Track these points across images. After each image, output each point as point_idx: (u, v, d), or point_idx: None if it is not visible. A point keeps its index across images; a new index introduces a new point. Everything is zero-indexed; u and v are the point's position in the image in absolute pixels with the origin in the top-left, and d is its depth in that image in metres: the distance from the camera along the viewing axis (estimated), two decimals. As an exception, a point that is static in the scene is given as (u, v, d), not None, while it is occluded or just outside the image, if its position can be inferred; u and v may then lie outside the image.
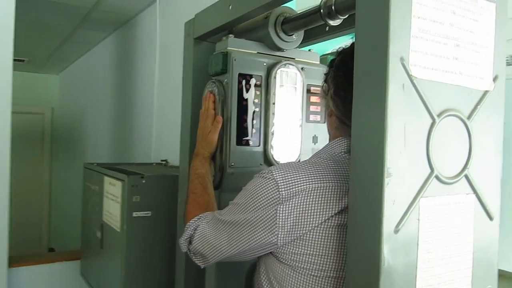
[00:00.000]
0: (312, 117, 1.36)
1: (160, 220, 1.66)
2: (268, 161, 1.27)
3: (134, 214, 1.62)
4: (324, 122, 1.39)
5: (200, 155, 1.23)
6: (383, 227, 0.73)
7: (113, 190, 1.76)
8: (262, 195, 0.91)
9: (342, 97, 0.93)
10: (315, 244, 0.86)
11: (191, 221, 1.09)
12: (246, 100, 1.24)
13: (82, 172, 2.28)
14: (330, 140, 1.03)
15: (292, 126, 1.30)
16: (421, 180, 0.78)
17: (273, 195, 0.89)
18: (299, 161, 1.02)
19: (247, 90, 1.24)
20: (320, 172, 0.89)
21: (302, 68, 1.32)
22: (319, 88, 1.37)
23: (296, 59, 1.34)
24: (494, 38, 0.88)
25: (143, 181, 1.64)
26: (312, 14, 1.14)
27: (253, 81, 1.25)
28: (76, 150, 4.98)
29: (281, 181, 0.89)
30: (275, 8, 1.17)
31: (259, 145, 1.27)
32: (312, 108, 1.36)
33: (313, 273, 0.87)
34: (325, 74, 1.02)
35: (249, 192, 0.94)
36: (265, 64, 1.27)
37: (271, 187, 0.90)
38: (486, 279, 0.91)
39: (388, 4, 0.72)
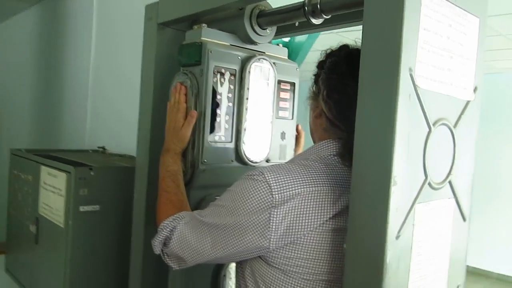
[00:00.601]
0: (281, 113, 1.35)
1: (109, 215, 1.55)
2: (239, 157, 1.24)
3: (81, 208, 1.50)
4: (292, 119, 1.39)
5: (172, 150, 1.16)
6: (387, 234, 0.74)
7: (53, 181, 1.61)
8: (253, 198, 0.88)
9: (335, 100, 0.93)
10: (309, 248, 0.86)
11: (165, 222, 1.03)
12: (220, 94, 1.19)
13: (7, 159, 2.06)
14: (315, 141, 1.02)
15: (263, 122, 1.28)
16: (418, 187, 0.81)
17: (265, 199, 0.87)
18: (287, 162, 1.00)
19: (222, 84, 1.19)
20: (313, 176, 0.89)
21: (274, 63, 1.29)
22: (288, 84, 1.36)
23: (266, 53, 1.31)
24: (477, 50, 0.93)
25: (92, 173, 1.52)
26: (294, 11, 1.12)
27: (227, 75, 1.20)
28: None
29: (274, 184, 0.87)
30: (258, 2, 1.13)
31: (231, 141, 1.23)
32: (281, 104, 1.35)
33: (305, 277, 0.87)
34: (314, 75, 1.01)
35: (238, 195, 0.91)
36: (239, 57, 1.23)
37: (264, 190, 0.87)
38: (457, 277, 0.97)
39: (402, 15, 0.73)
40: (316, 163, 0.92)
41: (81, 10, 2.73)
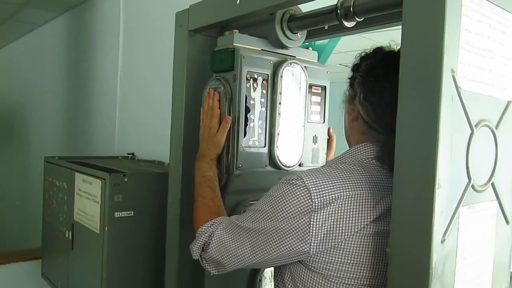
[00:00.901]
0: (313, 117, 1.35)
1: (143, 220, 1.58)
2: (273, 162, 1.25)
3: (116, 214, 1.53)
4: (324, 122, 1.38)
5: (207, 156, 1.17)
6: (433, 238, 0.73)
7: (88, 188, 1.65)
8: (292, 203, 0.88)
9: (373, 102, 0.92)
10: (350, 253, 0.86)
11: (203, 227, 1.04)
12: (253, 99, 1.20)
13: (24, 166, 2.10)
14: (351, 144, 1.02)
15: (296, 126, 1.28)
16: (461, 190, 0.80)
17: (305, 203, 0.87)
18: (324, 166, 1.00)
19: (254, 89, 1.20)
20: (352, 180, 0.88)
21: (305, 67, 1.29)
22: (319, 88, 1.36)
23: (297, 57, 1.32)
24: (517, 50, 0.91)
25: (126, 179, 1.55)
26: (326, 14, 1.12)
27: (260, 80, 1.21)
28: (15, 141, 4.61)
29: (314, 189, 0.87)
30: (290, 7, 1.13)
31: (264, 146, 1.23)
32: (313, 107, 1.35)
33: (346, 282, 0.87)
34: (349, 78, 1.01)
35: (277, 199, 0.91)
36: (271, 62, 1.23)
37: (303, 194, 0.87)
38: (501, 281, 0.95)
39: (443, 16, 0.72)
40: (355, 167, 0.92)
41: (108, 19, 2.78)
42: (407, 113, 0.77)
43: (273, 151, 1.23)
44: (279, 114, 1.23)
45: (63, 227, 1.86)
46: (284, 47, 1.27)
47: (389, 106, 0.87)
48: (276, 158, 1.24)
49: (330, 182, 0.87)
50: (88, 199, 1.64)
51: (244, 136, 1.19)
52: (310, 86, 1.33)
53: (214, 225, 1.03)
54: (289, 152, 1.27)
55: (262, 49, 1.25)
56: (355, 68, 1.00)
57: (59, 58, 3.51)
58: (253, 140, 1.21)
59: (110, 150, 2.62)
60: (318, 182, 0.87)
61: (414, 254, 0.75)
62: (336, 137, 1.46)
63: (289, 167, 1.28)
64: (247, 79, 1.18)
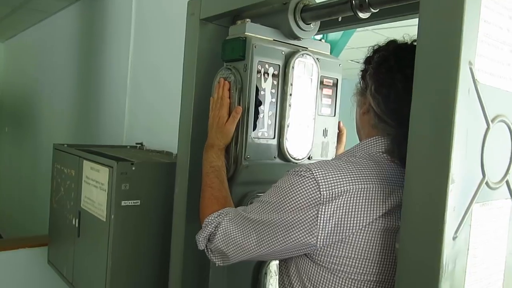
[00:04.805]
0: (323, 110, 1.33)
1: (150, 210, 1.57)
2: (281, 154, 1.23)
3: (123, 203, 1.52)
4: (334, 116, 1.36)
5: (216, 146, 1.16)
6: (444, 234, 0.71)
7: (96, 176, 1.64)
8: (300, 195, 0.86)
9: (384, 94, 0.90)
10: (358, 248, 0.84)
11: (210, 217, 1.03)
12: (264, 90, 1.18)
13: (35, 154, 2.10)
14: (362, 138, 1.00)
15: (306, 118, 1.26)
16: (475, 186, 0.77)
17: (313, 195, 0.85)
18: (334, 159, 0.98)
19: (265, 80, 1.18)
20: (362, 173, 0.87)
21: (317, 59, 1.27)
22: (331, 81, 1.34)
23: (309, 49, 1.30)
24: (537, 44, 0.89)
25: (133, 168, 1.54)
26: (340, 4, 1.10)
27: (271, 70, 1.19)
28: (26, 128, 4.64)
29: (322, 181, 0.85)
30: (304, -5, 1.11)
31: (273, 138, 1.22)
32: (324, 100, 1.33)
33: (353, 277, 0.85)
34: (361, 71, 0.99)
35: (284, 191, 0.89)
36: (283, 53, 1.21)
37: (311, 186, 0.86)
38: (513, 280, 0.93)
39: (463, 6, 0.70)
40: (365, 160, 0.90)
41: (120, 8, 2.78)
42: (422, 106, 0.75)
43: (282, 143, 1.22)
44: (290, 105, 1.22)
45: (70, 214, 1.86)
46: (296, 37, 1.25)
47: (401, 99, 0.86)
48: (285, 150, 1.22)
49: (339, 175, 0.86)
50: (96, 187, 1.64)
51: (254, 127, 1.17)
52: (322, 79, 1.30)
53: (220, 216, 1.02)
54: (298, 145, 1.25)
55: (274, 39, 1.23)
56: (368, 60, 0.98)
57: (70, 46, 3.51)
58: (262, 131, 1.19)
59: (119, 140, 2.62)
60: (327, 174, 0.86)
61: (425, 250, 0.74)
62: (346, 131, 1.44)
63: (298, 159, 1.26)
64: (258, 69, 1.16)
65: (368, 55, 0.98)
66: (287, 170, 1.06)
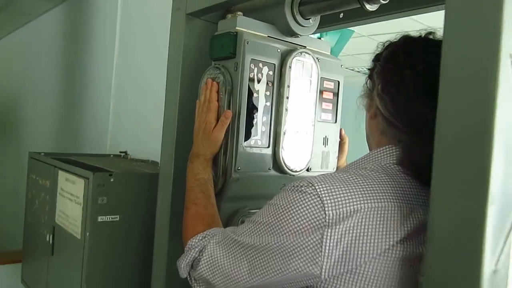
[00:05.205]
0: (323, 116, 1.19)
1: (130, 226, 1.42)
2: (277, 165, 1.08)
3: (100, 218, 1.37)
4: (335, 122, 1.22)
5: (201, 156, 1.01)
6: (483, 268, 0.57)
7: (71, 188, 1.49)
8: (301, 215, 0.72)
9: (392, 94, 0.77)
10: (371, 280, 0.69)
11: (193, 240, 0.88)
12: (257, 92, 1.04)
13: (17, 161, 1.95)
14: (371, 147, 0.86)
15: (305, 125, 1.12)
16: (515, 206, 0.63)
17: (317, 216, 0.70)
18: (337, 170, 0.84)
19: (259, 81, 1.04)
20: (375, 188, 0.72)
21: (317, 59, 1.13)
22: (332, 83, 1.20)
23: (307, 47, 1.16)
24: None
25: (112, 180, 1.39)
26: (345, -5, 0.96)
27: (265, 70, 1.05)
28: (9, 134, 4.45)
29: (328, 198, 0.71)
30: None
31: (268, 147, 1.07)
32: (324, 105, 1.19)
33: (365, 314, 0.70)
34: (369, 69, 0.85)
35: (282, 210, 0.75)
36: (279, 50, 1.07)
37: (314, 205, 0.71)
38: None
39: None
40: (377, 173, 0.76)
41: (106, 8, 2.63)
42: (451, 109, 0.61)
43: (278, 152, 1.07)
44: (286, 110, 1.07)
45: (44, 230, 1.70)
46: (294, 34, 1.11)
47: (411, 98, 0.74)
48: (281, 161, 1.08)
49: (348, 191, 0.71)
50: (71, 200, 1.48)
51: (246, 134, 1.03)
52: (322, 81, 1.17)
53: (206, 238, 0.87)
54: (296, 155, 1.11)
55: (268, 36, 1.10)
56: (376, 57, 0.84)
57: (55, 50, 3.35)
58: (255, 139, 1.05)
59: (103, 147, 2.46)
60: (333, 190, 0.71)
61: (457, 285, 0.59)
62: (348, 139, 1.30)
63: (296, 171, 1.11)
64: (250, 68, 1.02)
65: (377, 52, 0.85)
66: (283, 183, 0.92)
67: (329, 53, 1.23)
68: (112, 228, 1.39)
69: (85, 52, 2.83)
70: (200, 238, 0.87)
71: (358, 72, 6.21)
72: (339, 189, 0.72)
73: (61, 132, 3.17)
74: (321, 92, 1.16)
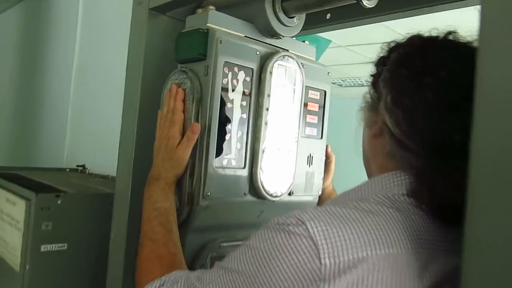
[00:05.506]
0: (308, 130, 1.02)
1: (80, 257, 1.20)
2: (254, 189, 0.91)
3: (43, 247, 1.15)
4: (321, 138, 1.06)
5: (162, 179, 0.83)
6: None
7: (11, 210, 1.27)
8: (288, 264, 0.54)
9: (406, 107, 0.61)
10: None
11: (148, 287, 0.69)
12: (232, 101, 0.87)
13: None
14: (371, 171, 0.70)
15: (287, 141, 0.95)
16: None
17: (309, 266, 0.53)
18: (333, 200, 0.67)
19: (234, 88, 0.87)
20: (384, 229, 0.56)
21: (302, 65, 0.97)
22: (318, 93, 1.04)
23: (290, 51, 0.99)
24: None
25: (59, 202, 1.18)
26: (339, -11, 0.81)
27: (241, 76, 0.88)
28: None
29: (324, 242, 0.54)
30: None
31: (243, 167, 0.89)
32: (309, 118, 1.02)
33: None
34: (372, 75, 0.69)
35: (264, 256, 0.57)
36: (258, 53, 0.90)
37: (306, 251, 0.54)
38: None
39: None
40: (384, 208, 0.59)
41: (66, 10, 2.42)
42: (495, 128, 0.45)
43: (256, 174, 0.90)
44: (266, 124, 0.90)
45: (-18, 258, 1.46)
46: (275, 35, 0.95)
47: (431, 113, 0.58)
48: (259, 184, 0.90)
49: (350, 233, 0.55)
50: (10, 225, 1.26)
51: (217, 152, 0.85)
52: (307, 90, 1.01)
53: (164, 286, 0.68)
54: (276, 177, 0.94)
55: (245, 36, 0.93)
56: (382, 61, 0.68)
57: (10, 51, 3.09)
58: (228, 158, 0.87)
59: (59, 160, 2.23)
60: (331, 231, 0.54)
61: None
62: (335, 157, 1.14)
63: (276, 196, 0.94)
64: (224, 73, 0.85)
65: (382, 55, 0.69)
66: (261, 210, 0.75)
67: (315, 59, 1.08)
68: (58, 259, 1.17)
69: (41, 54, 2.60)
70: (157, 286, 0.68)
71: (333, 83, 6.14)
72: (338, 229, 0.55)
73: (13, 142, 2.90)
74: (305, 103, 1.00)
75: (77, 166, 1.98)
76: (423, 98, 0.59)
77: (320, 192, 1.07)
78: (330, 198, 0.72)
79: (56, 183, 1.41)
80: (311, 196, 1.05)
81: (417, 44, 0.65)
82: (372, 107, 0.68)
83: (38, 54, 2.66)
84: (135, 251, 0.88)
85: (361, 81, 5.03)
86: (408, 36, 0.68)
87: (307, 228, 0.55)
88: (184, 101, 0.86)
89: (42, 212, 1.16)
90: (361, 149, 0.74)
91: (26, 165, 2.21)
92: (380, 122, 0.66)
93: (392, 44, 0.69)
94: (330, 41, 3.14)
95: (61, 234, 1.18)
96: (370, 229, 0.56)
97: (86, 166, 1.96)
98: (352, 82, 5.43)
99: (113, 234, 1.05)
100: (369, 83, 0.69)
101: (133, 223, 0.99)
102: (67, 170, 1.96)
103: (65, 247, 1.19)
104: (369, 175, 0.71)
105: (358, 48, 3.76)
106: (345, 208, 0.59)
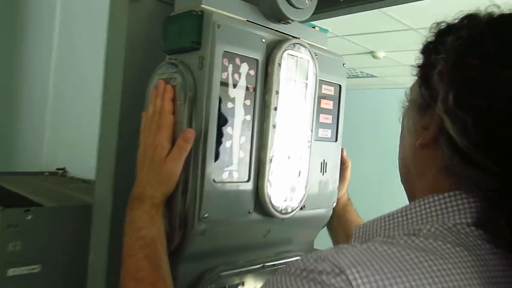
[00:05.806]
0: (321, 132, 0.87)
1: (55, 279, 1.04)
2: (260, 206, 0.75)
3: (11, 271, 0.99)
4: (336, 141, 0.91)
5: (147, 199, 0.66)
6: None
7: (-25, 226, 1.10)
8: None
9: (478, 108, 0.45)
10: None
11: None
12: (233, 100, 0.70)
13: None
14: (415, 192, 0.54)
15: (299, 147, 0.80)
16: None
17: None
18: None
19: (235, 84, 0.71)
20: (452, 276, 0.41)
21: (315, 55, 0.81)
22: (332, 88, 0.89)
23: (301, 39, 0.83)
24: None
25: (29, 217, 1.01)
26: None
27: (244, 68, 0.72)
28: None
29: None
30: None
31: (248, 180, 0.74)
32: (322, 117, 0.87)
33: None
34: (419, 66, 0.54)
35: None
36: (264, 40, 0.74)
37: None
38: None
39: None
40: (448, 245, 0.44)
41: (43, 5, 2.26)
42: None
43: (262, 188, 0.74)
44: (274, 127, 0.75)
45: None
46: (283, 19, 0.79)
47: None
48: (267, 200, 0.74)
49: (407, 285, 0.40)
50: (-26, 244, 1.09)
51: (216, 164, 0.69)
52: (320, 84, 0.85)
53: None
54: (286, 189, 0.78)
55: (248, 20, 0.77)
56: (432, 48, 0.53)
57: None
58: (229, 170, 0.71)
59: (37, 163, 2.07)
60: (381, 283, 0.40)
61: None
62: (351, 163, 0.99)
63: (286, 213, 0.79)
64: (223, 65, 0.69)
65: (430, 39, 0.53)
66: (267, 230, 0.62)
67: (326, 48, 0.92)
68: (29, 284, 1.01)
69: (16, 54, 2.43)
70: None
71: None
72: (391, 279, 0.40)
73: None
74: (318, 100, 0.84)
75: (57, 169, 1.82)
76: (502, 97, 0.43)
77: (334, 204, 0.91)
78: (357, 224, 0.57)
79: (30, 192, 1.24)
80: (324, 209, 0.90)
81: (485, 24, 0.49)
82: (421, 108, 0.52)
83: (15, 51, 2.49)
84: (117, 266, 0.72)
85: (356, 72, 4.89)
86: (463, 15, 0.53)
87: (348, 279, 0.40)
88: (173, 100, 0.70)
89: (9, 230, 0.99)
90: (397, 161, 0.59)
91: (1, 169, 2.04)
92: (434, 128, 0.50)
93: (443, 25, 0.53)
94: (327, 30, 3.00)
95: (32, 255, 1.01)
96: (434, 276, 0.41)
97: (66, 169, 1.80)
98: (348, 73, 5.30)
99: (93, 255, 0.89)
100: (417, 77, 0.53)
101: (116, 240, 0.83)
102: (46, 174, 1.79)
103: (38, 270, 1.03)
104: (412, 196, 0.56)
105: (355, 38, 3.60)
106: (394, 246, 0.44)
